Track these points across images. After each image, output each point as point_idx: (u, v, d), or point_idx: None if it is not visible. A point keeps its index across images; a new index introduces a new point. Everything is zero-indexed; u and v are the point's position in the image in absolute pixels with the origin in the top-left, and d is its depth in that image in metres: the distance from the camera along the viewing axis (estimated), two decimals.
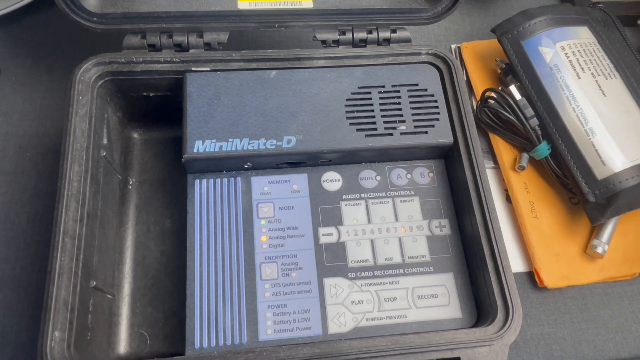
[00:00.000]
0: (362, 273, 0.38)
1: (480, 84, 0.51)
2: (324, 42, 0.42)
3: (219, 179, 0.40)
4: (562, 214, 0.46)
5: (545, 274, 0.43)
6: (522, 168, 0.47)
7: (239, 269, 0.37)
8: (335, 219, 0.39)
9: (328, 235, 0.39)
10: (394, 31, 0.43)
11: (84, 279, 0.34)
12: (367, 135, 0.39)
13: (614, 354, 0.42)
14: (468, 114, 0.40)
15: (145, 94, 0.42)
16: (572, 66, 0.46)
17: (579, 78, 0.46)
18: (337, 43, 0.42)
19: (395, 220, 0.40)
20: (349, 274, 0.38)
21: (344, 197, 0.40)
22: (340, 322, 0.36)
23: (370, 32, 0.42)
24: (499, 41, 0.49)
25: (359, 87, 0.41)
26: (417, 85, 0.41)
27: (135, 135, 0.45)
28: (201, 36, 0.41)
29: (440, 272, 0.38)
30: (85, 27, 0.40)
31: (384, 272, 0.38)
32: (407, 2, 0.43)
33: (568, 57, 0.47)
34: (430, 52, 0.42)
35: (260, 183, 0.40)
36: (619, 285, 0.45)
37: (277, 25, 0.42)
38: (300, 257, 0.38)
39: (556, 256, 0.44)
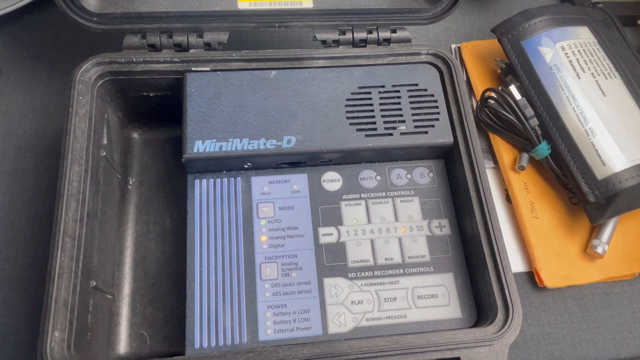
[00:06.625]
0: (362, 273, 0.38)
1: (480, 84, 0.51)
2: (324, 42, 0.42)
3: (219, 179, 0.40)
4: (562, 214, 0.46)
5: (545, 274, 0.43)
6: (522, 168, 0.47)
7: (239, 269, 0.37)
8: (335, 219, 0.39)
9: (328, 235, 0.39)
10: (394, 31, 0.43)
11: (84, 279, 0.34)
12: (367, 135, 0.39)
13: (614, 354, 0.42)
14: (468, 114, 0.40)
15: (145, 94, 0.42)
16: (572, 66, 0.46)
17: (579, 78, 0.46)
18: (337, 43, 0.42)
19: (395, 220, 0.40)
20: (349, 274, 0.38)
21: (344, 197, 0.40)
22: (340, 322, 0.36)
23: (370, 32, 0.42)
24: (499, 41, 0.49)
25: (359, 87, 0.41)
26: (417, 85, 0.41)
27: (135, 135, 0.45)
28: (201, 36, 0.41)
29: (440, 272, 0.38)
30: (85, 27, 0.40)
31: (384, 272, 0.38)
32: (407, 2, 0.43)
33: (568, 57, 0.47)
34: (430, 52, 0.42)
35: (260, 183, 0.40)
36: (619, 285, 0.45)
37: (277, 25, 0.42)
38: (300, 257, 0.38)
39: (556, 256, 0.44)
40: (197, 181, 0.39)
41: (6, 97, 0.48)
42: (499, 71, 0.52)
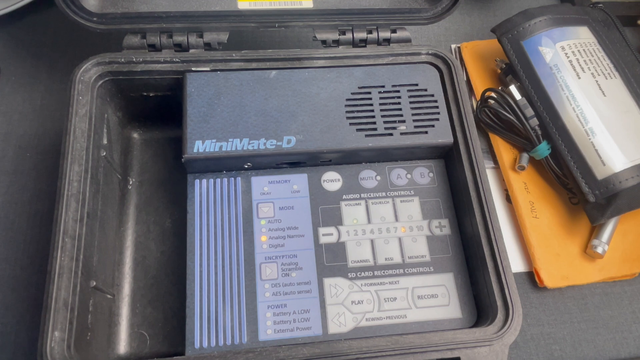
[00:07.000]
0: (362, 273, 0.38)
1: (480, 84, 0.51)
2: (324, 42, 0.42)
3: (219, 179, 0.40)
4: (562, 214, 0.46)
5: (545, 274, 0.43)
6: (522, 168, 0.47)
7: (239, 269, 0.37)
8: (335, 219, 0.39)
9: (328, 235, 0.39)
10: (394, 31, 0.43)
11: (84, 279, 0.34)
12: (367, 135, 0.39)
13: (614, 354, 0.42)
14: (468, 114, 0.40)
15: (145, 94, 0.42)
16: (572, 66, 0.46)
17: (579, 78, 0.46)
18: (337, 43, 0.42)
19: (395, 220, 0.40)
20: (349, 274, 0.38)
21: (344, 197, 0.40)
22: (340, 322, 0.36)
23: (370, 32, 0.42)
24: (499, 41, 0.49)
25: (359, 87, 0.41)
26: (417, 85, 0.41)
27: (135, 135, 0.45)
28: (201, 36, 0.41)
29: (440, 272, 0.38)
30: (85, 27, 0.40)
31: (384, 272, 0.38)
32: (407, 2, 0.43)
33: (568, 57, 0.47)
34: (430, 52, 0.42)
35: (260, 183, 0.40)
36: (619, 285, 0.45)
37: (277, 25, 0.42)
38: (300, 257, 0.38)
39: (556, 256, 0.44)
40: (197, 181, 0.39)
41: (6, 97, 0.48)
42: (499, 71, 0.52)
